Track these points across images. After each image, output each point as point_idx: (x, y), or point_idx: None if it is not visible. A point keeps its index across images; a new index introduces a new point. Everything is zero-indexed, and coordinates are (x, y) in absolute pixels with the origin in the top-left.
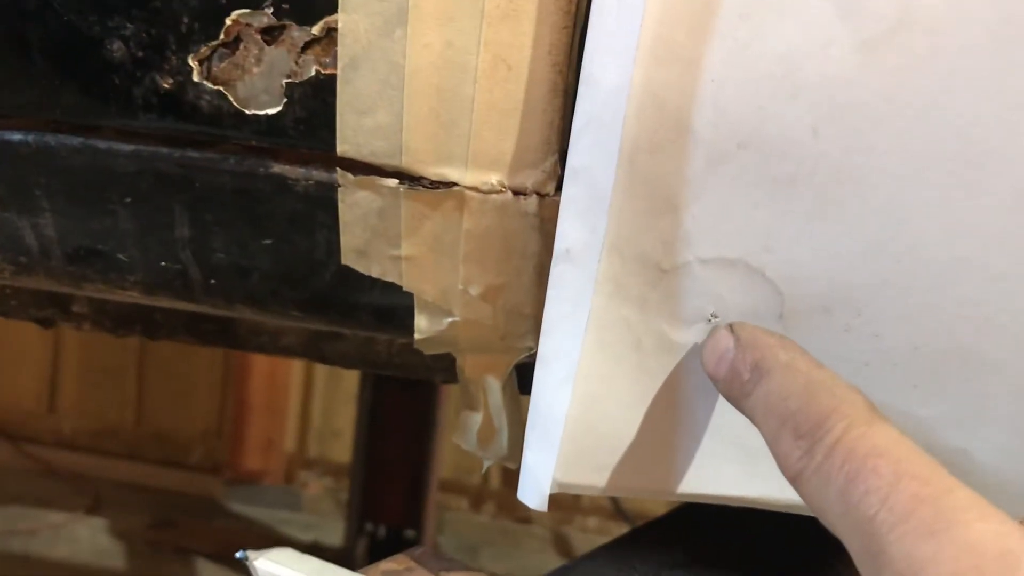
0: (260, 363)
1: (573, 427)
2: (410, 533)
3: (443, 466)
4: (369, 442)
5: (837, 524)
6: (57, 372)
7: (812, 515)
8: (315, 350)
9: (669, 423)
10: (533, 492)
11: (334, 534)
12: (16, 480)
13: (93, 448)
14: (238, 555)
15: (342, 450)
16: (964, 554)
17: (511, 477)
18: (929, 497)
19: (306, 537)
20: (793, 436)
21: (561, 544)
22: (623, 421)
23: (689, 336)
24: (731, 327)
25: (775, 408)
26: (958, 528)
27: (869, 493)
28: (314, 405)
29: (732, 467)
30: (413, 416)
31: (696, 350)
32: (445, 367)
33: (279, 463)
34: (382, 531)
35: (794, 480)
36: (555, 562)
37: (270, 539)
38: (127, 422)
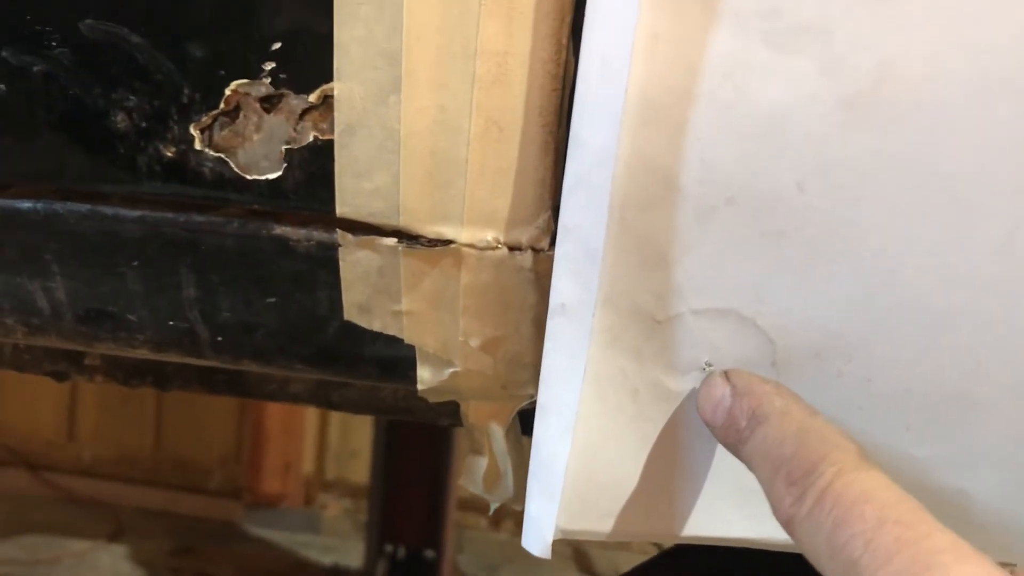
0: None
1: (574, 475)
2: (430, 553)
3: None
4: (387, 462)
5: (826, 568)
6: (76, 400)
7: None
8: (323, 397)
9: (669, 469)
10: (536, 540)
11: (354, 556)
12: (37, 509)
13: (113, 475)
14: None
15: (360, 471)
16: None
17: None
18: (910, 540)
19: (326, 559)
20: (786, 482)
21: (582, 561)
22: (623, 468)
23: (685, 384)
24: (726, 374)
25: (770, 454)
26: (937, 570)
27: (854, 537)
28: (331, 426)
29: (733, 510)
30: (430, 436)
31: (692, 397)
32: (450, 412)
33: (298, 486)
34: (402, 552)
35: (787, 525)
36: None
37: (290, 562)
38: (146, 448)
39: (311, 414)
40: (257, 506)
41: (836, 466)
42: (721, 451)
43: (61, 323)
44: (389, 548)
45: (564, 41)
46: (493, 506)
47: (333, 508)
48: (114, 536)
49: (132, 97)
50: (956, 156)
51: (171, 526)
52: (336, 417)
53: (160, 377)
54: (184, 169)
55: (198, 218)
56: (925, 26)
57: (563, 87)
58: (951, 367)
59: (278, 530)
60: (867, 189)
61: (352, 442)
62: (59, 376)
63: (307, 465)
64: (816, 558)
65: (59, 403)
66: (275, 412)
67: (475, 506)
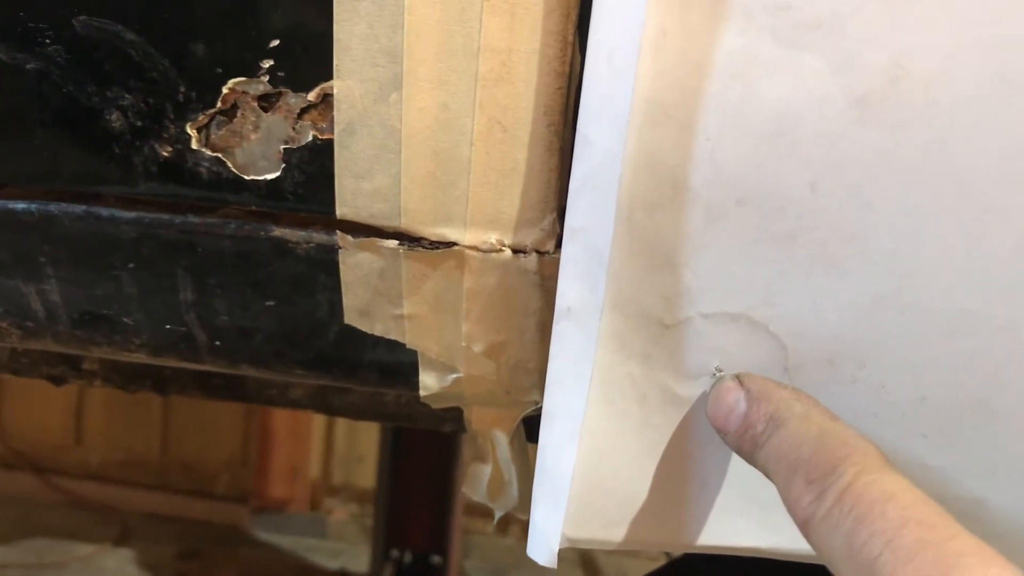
0: None
1: (581, 483)
2: (436, 558)
3: None
4: (393, 467)
5: (843, 569)
6: (83, 404)
7: (820, 563)
8: (323, 403)
9: (678, 476)
10: (542, 549)
11: (360, 560)
12: (44, 512)
13: (120, 479)
14: None
15: (367, 475)
16: None
17: None
18: (933, 541)
19: (333, 564)
20: (804, 481)
21: (589, 566)
22: (631, 476)
23: (694, 390)
24: (739, 379)
25: (788, 456)
26: (959, 572)
27: (874, 535)
28: (338, 431)
29: (743, 518)
30: (437, 440)
31: (702, 403)
32: (454, 417)
33: (304, 490)
34: (408, 557)
35: (804, 525)
36: None
37: (297, 567)
38: (153, 453)
39: (318, 419)
40: (264, 510)
41: (857, 467)
42: (732, 458)
43: (56, 327)
44: (395, 553)
45: (570, 38)
46: (497, 515)
47: (339, 513)
48: (120, 540)
49: (127, 95)
50: (972, 156)
51: (177, 530)
52: (343, 422)
53: (159, 381)
54: (180, 169)
55: (195, 219)
56: (940, 22)
57: (568, 85)
58: (967, 373)
59: (284, 534)
60: (880, 190)
61: (359, 447)
62: (57, 380)
63: (314, 470)
64: (832, 559)
65: (66, 407)
66: (282, 417)
67: (482, 511)
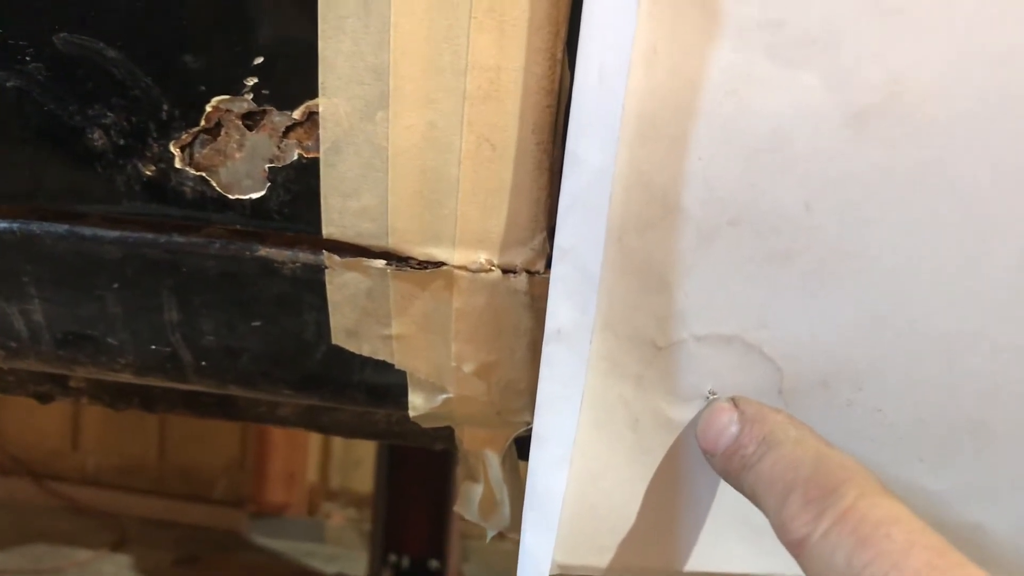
0: None
1: (571, 507)
2: (434, 563)
3: None
4: (391, 472)
5: None
6: (80, 410)
7: None
8: (312, 420)
9: (670, 501)
10: (532, 574)
11: (358, 565)
12: (41, 518)
13: (117, 484)
14: None
15: (365, 480)
16: None
17: None
18: (943, 567)
19: (330, 569)
20: (802, 501)
21: None
22: (623, 500)
23: (687, 413)
24: (734, 402)
25: (783, 476)
26: None
27: (880, 556)
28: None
29: (737, 544)
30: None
31: (695, 426)
32: (445, 436)
33: (302, 495)
34: (406, 562)
35: (799, 544)
36: None
37: (294, 572)
38: (150, 458)
39: None
40: (261, 515)
41: (859, 489)
42: (725, 484)
43: (40, 347)
44: (393, 558)
45: (559, 55)
46: (490, 534)
47: (337, 517)
48: (118, 545)
49: (109, 113)
50: (971, 172)
51: (175, 535)
52: None
53: (147, 399)
54: (164, 188)
55: (179, 239)
56: (939, 36)
57: (558, 103)
58: (966, 394)
59: (282, 539)
60: (877, 208)
61: (356, 451)
62: (43, 398)
63: (311, 474)
64: None
65: (63, 412)
66: None
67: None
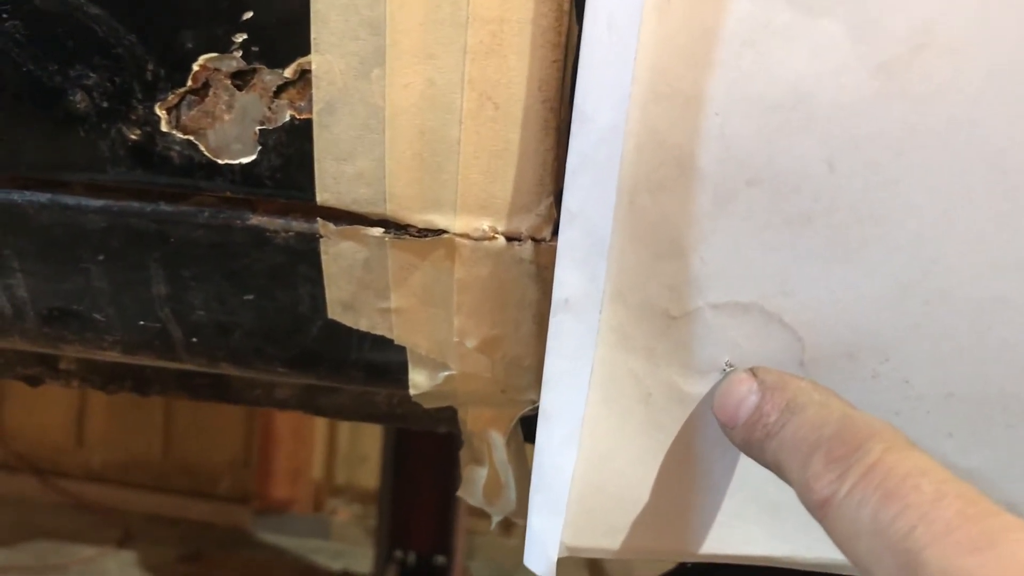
0: None
1: (580, 488)
2: (440, 559)
3: None
4: (397, 467)
5: (866, 546)
6: (84, 406)
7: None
8: (310, 403)
9: (684, 480)
10: (540, 558)
11: (364, 561)
12: (46, 514)
13: (122, 481)
14: None
15: (370, 476)
16: (1011, 570)
17: None
18: (975, 516)
19: (336, 565)
20: (826, 460)
21: (594, 566)
22: (634, 480)
23: (702, 387)
24: (753, 372)
25: (807, 438)
26: (1005, 545)
27: (908, 508)
28: (341, 431)
29: (754, 525)
30: (440, 440)
31: (710, 400)
32: (448, 418)
33: (307, 491)
34: (412, 558)
35: (823, 505)
36: None
37: (300, 568)
38: (155, 454)
39: (320, 419)
40: (266, 512)
41: (886, 443)
42: (742, 460)
43: (24, 324)
44: (399, 554)
45: (565, 5)
46: (495, 519)
47: (343, 513)
48: (122, 542)
49: (91, 74)
50: (1003, 130)
51: (180, 532)
52: (346, 422)
53: (139, 382)
54: (150, 153)
55: (166, 208)
56: None
57: (565, 58)
58: (997, 366)
59: (287, 536)
60: (904, 167)
61: (362, 447)
62: (32, 381)
63: (316, 470)
64: (854, 541)
65: (68, 408)
66: (284, 417)
67: (486, 511)
